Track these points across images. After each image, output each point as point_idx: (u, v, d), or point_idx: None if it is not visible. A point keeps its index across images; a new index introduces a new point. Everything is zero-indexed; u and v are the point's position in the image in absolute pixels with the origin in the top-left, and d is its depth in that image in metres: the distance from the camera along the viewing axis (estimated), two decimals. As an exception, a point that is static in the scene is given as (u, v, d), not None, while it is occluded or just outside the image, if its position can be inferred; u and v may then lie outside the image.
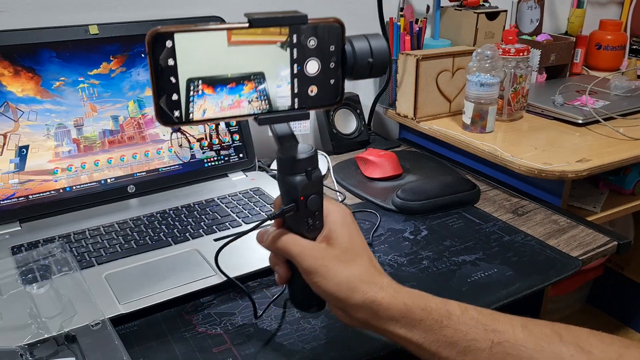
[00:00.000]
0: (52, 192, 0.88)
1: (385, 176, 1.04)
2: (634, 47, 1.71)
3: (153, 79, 0.44)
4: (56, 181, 0.88)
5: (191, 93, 0.46)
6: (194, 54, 0.45)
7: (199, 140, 0.99)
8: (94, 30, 0.90)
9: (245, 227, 0.84)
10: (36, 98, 0.86)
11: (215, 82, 0.47)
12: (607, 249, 0.84)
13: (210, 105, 0.47)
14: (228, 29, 0.45)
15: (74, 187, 0.89)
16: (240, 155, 1.03)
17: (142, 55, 0.93)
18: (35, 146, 0.86)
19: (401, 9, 1.28)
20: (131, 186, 0.93)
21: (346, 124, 1.24)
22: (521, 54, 1.14)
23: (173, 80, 0.45)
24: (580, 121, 1.14)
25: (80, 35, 0.89)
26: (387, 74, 1.24)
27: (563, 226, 0.90)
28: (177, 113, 0.46)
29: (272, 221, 0.57)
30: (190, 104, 0.46)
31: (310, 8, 1.16)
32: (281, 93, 0.50)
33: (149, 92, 0.94)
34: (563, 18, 1.69)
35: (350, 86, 1.33)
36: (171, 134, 0.96)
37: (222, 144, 1.01)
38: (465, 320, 0.50)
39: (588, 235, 0.87)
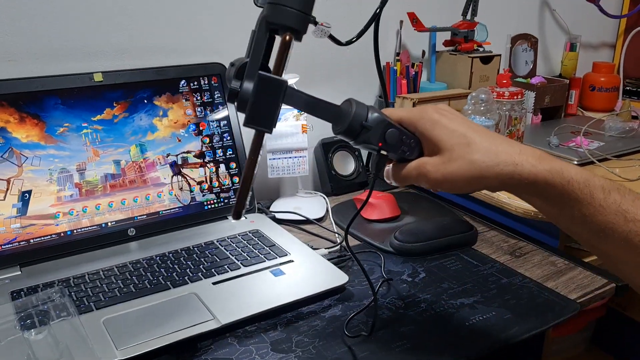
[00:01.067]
0: (53, 236, 0.89)
1: (383, 218, 1.05)
2: (627, 88, 1.74)
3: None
4: (57, 225, 0.89)
5: None
6: None
7: (199, 183, 1.00)
8: (98, 77, 0.92)
9: (244, 270, 0.84)
10: (40, 144, 0.87)
11: None
12: (605, 291, 0.84)
13: None
14: None
15: (75, 231, 0.90)
16: (240, 197, 1.04)
17: (145, 101, 0.95)
18: (37, 191, 0.87)
19: (397, 54, 1.31)
20: (132, 229, 0.94)
21: (344, 165, 1.25)
22: (515, 97, 1.16)
23: None
24: (575, 162, 1.16)
25: (85, 82, 0.91)
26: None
27: (561, 268, 0.90)
28: None
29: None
30: None
31: (311, 57, 1.19)
32: None
33: (150, 137, 0.96)
34: (556, 60, 1.73)
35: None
36: (172, 177, 0.98)
37: (222, 187, 1.03)
38: (607, 204, 0.52)
39: (586, 277, 0.88)
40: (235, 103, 0.55)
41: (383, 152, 0.61)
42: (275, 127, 0.56)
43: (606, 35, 1.84)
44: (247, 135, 1.07)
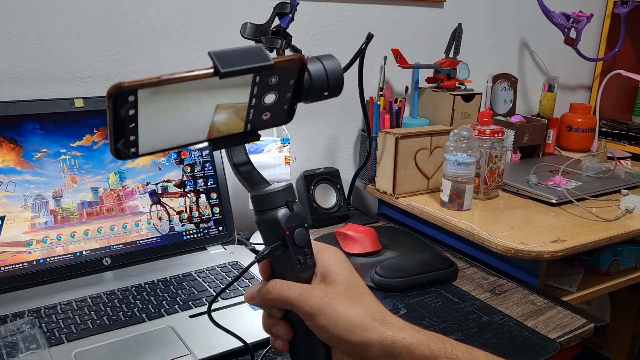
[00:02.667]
0: (25, 264, 0.86)
1: (364, 252, 1.04)
2: (603, 129, 1.78)
3: (111, 126, 0.42)
4: (30, 253, 0.86)
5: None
6: (156, 105, 0.43)
7: (179, 212, 0.99)
8: (79, 103, 0.91)
9: (222, 303, 0.82)
10: (16, 169, 0.85)
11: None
12: (585, 331, 0.84)
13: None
14: (194, 78, 0.43)
15: (48, 259, 0.88)
16: (220, 228, 1.03)
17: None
18: (11, 217, 0.85)
19: (381, 89, 1.33)
20: (107, 259, 0.92)
21: (326, 198, 1.25)
22: (496, 135, 1.18)
23: (132, 125, 0.43)
24: (554, 201, 1.17)
25: (65, 108, 0.90)
26: (367, 150, 1.27)
27: (540, 307, 0.90)
28: (133, 150, 0.44)
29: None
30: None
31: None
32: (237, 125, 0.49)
33: (130, 164, 0.95)
34: (535, 100, 1.77)
35: (330, 162, 1.36)
36: (151, 206, 0.96)
37: (202, 217, 1.01)
38: None
39: (565, 316, 0.88)
40: None
41: (276, 249, 0.50)
42: None
43: (583, 77, 1.89)
44: (229, 165, 1.07)
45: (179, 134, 0.46)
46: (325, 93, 0.51)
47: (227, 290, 0.86)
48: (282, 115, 0.51)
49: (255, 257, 0.50)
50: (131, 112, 0.42)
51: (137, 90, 0.41)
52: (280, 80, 0.48)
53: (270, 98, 0.48)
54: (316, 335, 0.50)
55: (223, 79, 0.43)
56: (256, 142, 0.52)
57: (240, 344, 0.71)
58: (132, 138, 0.43)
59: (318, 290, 0.49)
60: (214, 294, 0.85)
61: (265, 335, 0.53)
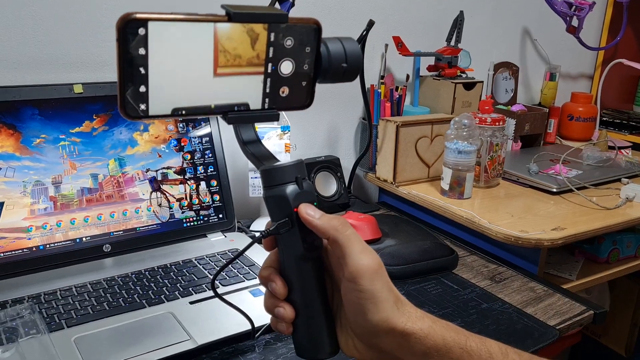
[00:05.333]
0: (25, 250, 0.86)
1: (364, 240, 1.04)
2: (604, 119, 1.78)
3: (120, 66, 0.41)
4: (29, 239, 0.86)
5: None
6: (168, 44, 0.42)
7: (179, 200, 0.99)
8: (78, 89, 0.91)
9: (222, 289, 0.82)
10: (15, 155, 0.85)
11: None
12: (584, 318, 0.85)
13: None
14: (206, 20, 0.43)
15: (48, 246, 0.87)
16: (220, 215, 1.03)
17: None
18: (10, 203, 0.85)
19: (382, 77, 1.32)
20: (107, 245, 0.92)
21: (327, 186, 1.25)
22: (497, 123, 1.18)
23: (143, 71, 0.41)
24: (554, 190, 1.17)
25: (64, 94, 0.89)
26: (368, 138, 1.26)
27: (540, 294, 0.90)
28: (143, 106, 0.42)
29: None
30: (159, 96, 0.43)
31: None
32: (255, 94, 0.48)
33: (130, 151, 0.94)
34: (536, 89, 1.76)
35: (330, 150, 1.35)
36: (150, 193, 0.96)
37: (202, 204, 1.01)
38: None
39: (565, 304, 0.88)
40: None
41: (283, 226, 0.48)
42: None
43: (585, 66, 1.88)
44: (229, 152, 1.07)
45: (193, 92, 0.44)
46: (344, 68, 0.50)
47: (227, 277, 0.86)
48: (301, 95, 0.50)
49: (261, 233, 0.48)
50: (141, 50, 0.41)
51: (148, 23, 0.40)
52: (296, 44, 0.47)
53: (287, 67, 0.47)
54: (320, 316, 0.49)
55: (236, 23, 0.43)
56: (273, 122, 0.51)
57: (240, 330, 0.71)
58: (142, 89, 0.42)
59: (375, 257, 0.47)
60: (215, 281, 0.85)
61: (265, 321, 0.52)
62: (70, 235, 0.89)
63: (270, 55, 0.46)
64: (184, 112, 0.45)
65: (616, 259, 1.18)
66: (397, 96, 1.28)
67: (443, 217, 1.11)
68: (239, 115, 0.47)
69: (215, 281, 0.85)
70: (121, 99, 0.41)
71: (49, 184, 0.88)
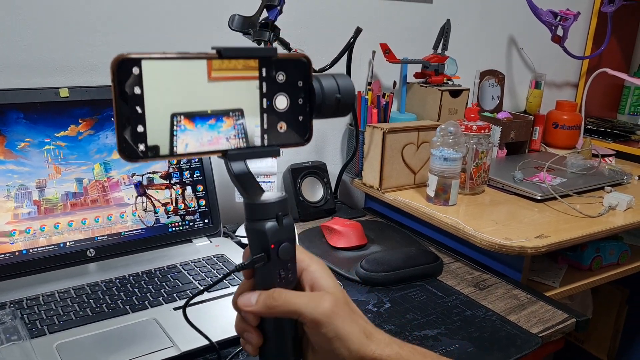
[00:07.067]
0: (8, 254, 0.85)
1: (350, 246, 1.04)
2: (589, 127, 1.80)
3: (116, 107, 0.41)
4: (12, 243, 0.85)
5: (174, 127, 0.43)
6: (161, 83, 0.42)
7: (165, 204, 0.98)
8: (64, 93, 0.90)
9: (207, 295, 0.82)
10: (-1, 158, 0.84)
11: (191, 116, 0.44)
12: (566, 326, 0.85)
13: (189, 140, 0.45)
14: (198, 58, 0.44)
15: (31, 250, 0.87)
16: (206, 220, 1.02)
17: (112, 119, 0.93)
18: (-7, 207, 0.84)
19: (369, 84, 1.33)
20: (91, 250, 0.91)
21: (313, 192, 1.25)
22: (483, 131, 1.19)
23: (139, 109, 0.41)
24: (538, 197, 1.18)
25: (50, 97, 0.89)
26: (354, 144, 1.27)
27: (523, 301, 0.91)
28: (142, 147, 0.42)
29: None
30: (174, 138, 0.44)
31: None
32: (254, 131, 0.48)
33: (115, 155, 0.94)
34: (522, 97, 1.78)
35: (317, 156, 1.35)
36: (136, 197, 0.96)
37: (188, 209, 1.01)
38: None
39: (547, 311, 0.88)
40: None
41: (259, 260, 0.49)
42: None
43: (569, 75, 1.90)
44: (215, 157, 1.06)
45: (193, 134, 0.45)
46: (338, 99, 0.51)
47: (200, 287, 0.85)
48: (299, 130, 0.50)
49: (236, 266, 0.50)
50: (136, 89, 0.41)
51: (142, 61, 0.41)
52: (288, 78, 0.48)
53: (282, 102, 0.49)
54: (288, 344, 0.51)
55: (225, 59, 0.44)
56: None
57: (224, 336, 0.71)
58: (139, 129, 0.42)
59: (328, 299, 0.49)
60: (199, 286, 0.85)
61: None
62: (54, 240, 0.89)
63: (264, 90, 0.47)
64: (185, 154, 0.45)
65: (599, 266, 1.19)
66: (384, 103, 1.29)
67: (428, 224, 1.12)
68: (237, 155, 0.48)
69: (200, 287, 0.85)
70: (119, 140, 0.42)
71: (33, 188, 0.87)
